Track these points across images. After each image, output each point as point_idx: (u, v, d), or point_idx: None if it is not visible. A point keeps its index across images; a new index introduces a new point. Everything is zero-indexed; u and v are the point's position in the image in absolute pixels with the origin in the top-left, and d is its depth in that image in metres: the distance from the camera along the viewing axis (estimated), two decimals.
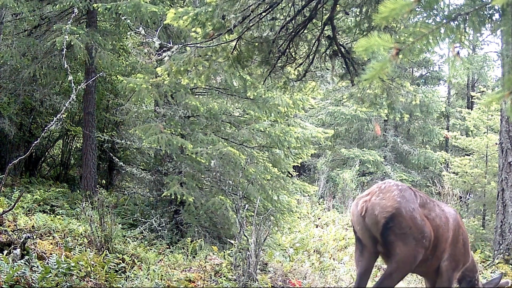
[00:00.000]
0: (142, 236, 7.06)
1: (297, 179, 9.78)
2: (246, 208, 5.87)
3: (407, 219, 3.32)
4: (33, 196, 8.06)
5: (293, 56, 4.54)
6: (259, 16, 4.07)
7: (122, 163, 8.50)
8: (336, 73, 4.84)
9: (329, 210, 14.06)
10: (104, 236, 5.60)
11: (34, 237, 5.39)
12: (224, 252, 6.09)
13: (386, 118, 17.81)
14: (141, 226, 7.31)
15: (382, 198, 3.34)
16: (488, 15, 2.00)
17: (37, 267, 4.42)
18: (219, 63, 4.49)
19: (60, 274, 4.42)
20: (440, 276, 3.86)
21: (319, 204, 14.70)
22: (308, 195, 12.60)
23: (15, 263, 4.36)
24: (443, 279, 3.87)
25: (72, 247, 5.47)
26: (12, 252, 4.68)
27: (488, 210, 10.83)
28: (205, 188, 7.89)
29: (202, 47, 4.27)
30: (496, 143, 8.54)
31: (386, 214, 3.28)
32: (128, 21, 7.58)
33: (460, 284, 4.19)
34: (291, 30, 4.24)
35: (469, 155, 12.12)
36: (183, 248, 6.81)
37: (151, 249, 6.50)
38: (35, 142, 4.97)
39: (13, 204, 5.36)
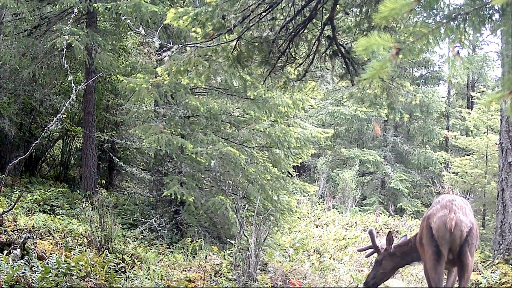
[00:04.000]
0: (142, 236, 7.06)
1: (297, 179, 9.78)
2: (246, 208, 5.87)
3: (475, 231, 3.94)
4: (33, 196, 8.06)
5: (293, 56, 4.54)
6: (259, 16, 4.07)
7: (122, 163, 8.49)
8: (336, 73, 4.83)
9: (329, 210, 14.06)
10: (104, 236, 5.60)
11: (34, 237, 5.39)
12: (224, 252, 6.09)
13: (386, 118, 17.82)
14: (141, 226, 7.31)
15: (463, 214, 3.85)
16: (488, 15, 2.00)
17: (37, 267, 4.42)
18: (219, 63, 4.48)
19: (60, 274, 4.42)
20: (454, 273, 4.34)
21: (319, 204, 14.70)
22: (308, 195, 12.59)
23: (15, 263, 4.36)
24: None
25: (72, 247, 5.47)
26: (12, 252, 4.68)
27: (488, 210, 10.83)
28: (205, 188, 7.88)
29: (202, 47, 4.27)
30: (496, 143, 8.53)
31: (467, 228, 3.82)
32: (128, 21, 7.57)
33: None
34: (291, 30, 4.24)
35: (469, 155, 12.12)
36: (183, 248, 6.81)
37: (151, 249, 6.49)
38: (35, 142, 4.97)
39: (13, 204, 5.36)
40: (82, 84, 6.07)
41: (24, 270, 4.22)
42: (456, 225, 3.79)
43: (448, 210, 3.87)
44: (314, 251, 8.47)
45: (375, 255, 4.92)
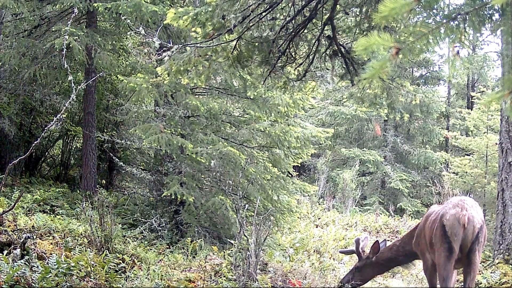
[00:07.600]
0: (142, 236, 7.06)
1: (297, 179, 9.78)
2: (246, 208, 5.87)
3: (485, 229, 4.15)
4: (33, 196, 8.06)
5: (293, 56, 4.54)
6: (259, 16, 4.07)
7: (122, 163, 8.49)
8: (336, 73, 4.84)
9: (329, 210, 14.06)
10: (104, 236, 5.60)
11: (34, 237, 5.38)
12: (224, 252, 6.09)
13: (386, 118, 17.81)
14: (141, 226, 7.31)
15: (475, 212, 4.05)
16: (488, 15, 2.00)
17: (37, 267, 4.42)
18: (219, 63, 4.48)
19: (60, 274, 4.42)
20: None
21: (319, 204, 14.69)
22: (308, 195, 12.58)
23: (15, 263, 4.36)
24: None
25: (72, 247, 5.47)
26: (12, 252, 4.68)
27: (488, 210, 10.83)
28: (205, 188, 7.88)
29: (202, 47, 4.27)
30: (496, 143, 8.53)
31: (478, 225, 4.01)
32: (128, 21, 7.57)
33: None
34: (291, 30, 4.24)
35: (469, 155, 12.12)
36: (183, 248, 6.81)
37: (151, 249, 6.49)
38: (35, 142, 4.97)
39: (13, 204, 5.36)
40: (82, 84, 6.07)
41: (24, 270, 4.22)
42: (469, 221, 3.95)
43: (460, 208, 4.03)
44: (314, 251, 8.46)
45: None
